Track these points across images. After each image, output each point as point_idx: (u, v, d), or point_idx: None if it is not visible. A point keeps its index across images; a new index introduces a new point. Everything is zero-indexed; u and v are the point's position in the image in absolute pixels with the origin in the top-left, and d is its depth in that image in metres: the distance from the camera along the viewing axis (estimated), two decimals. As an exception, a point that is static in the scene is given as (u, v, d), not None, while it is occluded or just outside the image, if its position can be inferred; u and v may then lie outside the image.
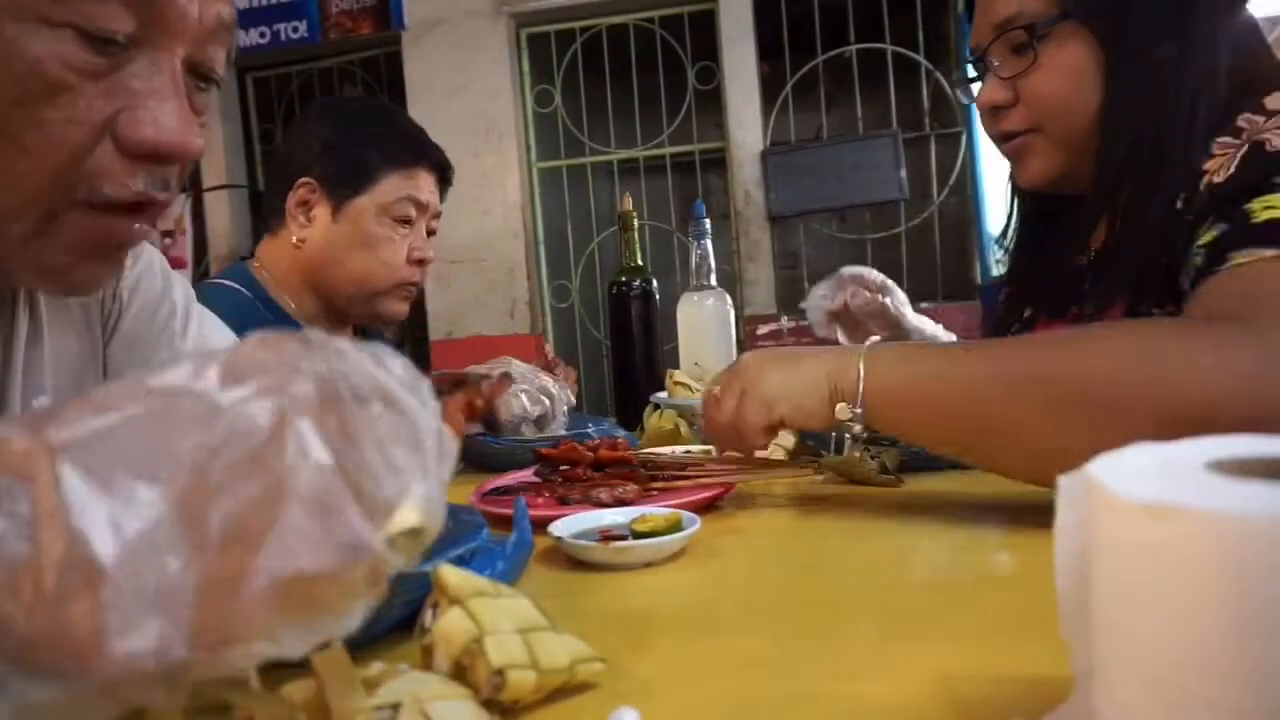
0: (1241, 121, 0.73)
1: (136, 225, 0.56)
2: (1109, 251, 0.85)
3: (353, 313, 1.34)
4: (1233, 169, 0.70)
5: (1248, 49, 0.81)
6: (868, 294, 1.28)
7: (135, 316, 0.77)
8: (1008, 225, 1.04)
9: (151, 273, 0.79)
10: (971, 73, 0.94)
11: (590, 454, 0.82)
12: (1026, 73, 0.84)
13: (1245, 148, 0.71)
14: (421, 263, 1.34)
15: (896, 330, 1.28)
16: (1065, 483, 0.30)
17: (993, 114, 0.88)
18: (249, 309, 1.23)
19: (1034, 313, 0.97)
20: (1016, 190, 1.00)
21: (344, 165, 1.28)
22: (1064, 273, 0.93)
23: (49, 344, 0.69)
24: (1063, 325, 0.91)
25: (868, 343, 0.74)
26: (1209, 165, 0.73)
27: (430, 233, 1.37)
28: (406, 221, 1.31)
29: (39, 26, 0.49)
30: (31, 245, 0.54)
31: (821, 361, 0.71)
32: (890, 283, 1.29)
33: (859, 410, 0.69)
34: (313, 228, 1.29)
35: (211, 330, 0.84)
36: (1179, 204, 0.75)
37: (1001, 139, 0.90)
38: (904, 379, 0.68)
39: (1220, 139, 0.74)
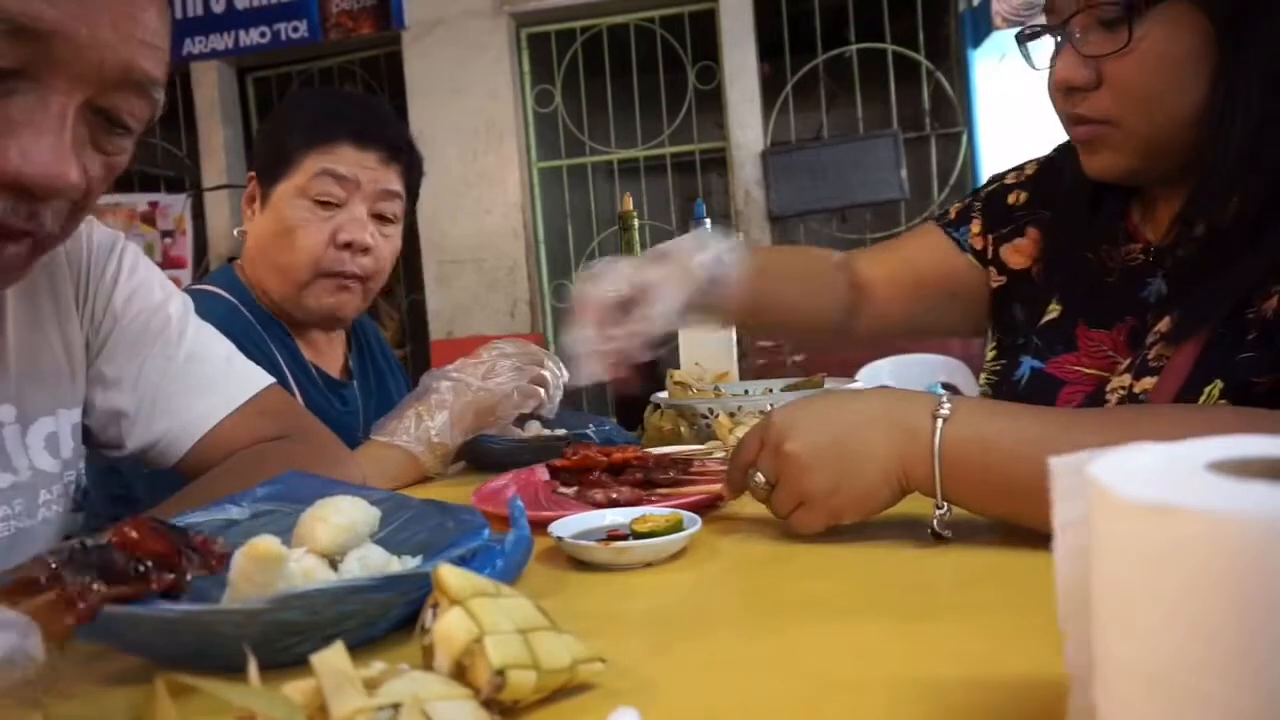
0: None
1: (20, 245, 0.59)
2: (1203, 268, 0.73)
3: (290, 312, 1.22)
4: None
5: None
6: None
7: (130, 325, 0.82)
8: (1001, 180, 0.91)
9: (148, 288, 0.84)
10: (1041, 29, 0.79)
11: (605, 459, 0.82)
12: (1118, 55, 0.70)
13: None
14: (350, 246, 1.17)
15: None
16: (1058, 469, 0.30)
17: (1067, 93, 0.75)
18: (233, 314, 1.17)
19: (1063, 314, 0.84)
20: (1062, 161, 0.87)
21: (269, 152, 1.21)
22: (1106, 270, 0.81)
23: (13, 335, 0.74)
24: (1108, 337, 0.80)
25: (942, 407, 0.59)
26: None
27: (384, 217, 1.22)
28: (329, 202, 1.17)
29: None
30: None
31: (888, 445, 0.60)
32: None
33: (943, 511, 0.61)
34: (252, 222, 1.23)
35: (208, 339, 0.88)
36: None
37: (1072, 121, 0.77)
38: (987, 447, 0.58)
39: None
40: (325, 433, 0.93)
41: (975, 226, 0.95)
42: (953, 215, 0.97)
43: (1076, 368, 0.81)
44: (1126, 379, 0.75)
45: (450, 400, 1.07)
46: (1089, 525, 0.28)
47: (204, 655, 0.46)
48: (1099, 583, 0.27)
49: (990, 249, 0.94)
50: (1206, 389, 0.68)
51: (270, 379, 0.90)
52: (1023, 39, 0.82)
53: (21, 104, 0.54)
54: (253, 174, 1.24)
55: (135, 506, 1.05)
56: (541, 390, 1.11)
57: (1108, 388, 0.77)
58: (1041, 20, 0.78)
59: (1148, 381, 0.72)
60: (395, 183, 1.22)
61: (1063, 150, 0.87)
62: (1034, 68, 0.80)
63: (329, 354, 1.33)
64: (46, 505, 0.76)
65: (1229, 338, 0.68)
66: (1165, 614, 0.24)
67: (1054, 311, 0.85)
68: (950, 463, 0.59)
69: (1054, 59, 0.76)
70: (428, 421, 1.05)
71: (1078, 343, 0.82)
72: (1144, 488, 0.25)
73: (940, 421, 0.58)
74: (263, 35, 4.18)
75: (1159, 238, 0.80)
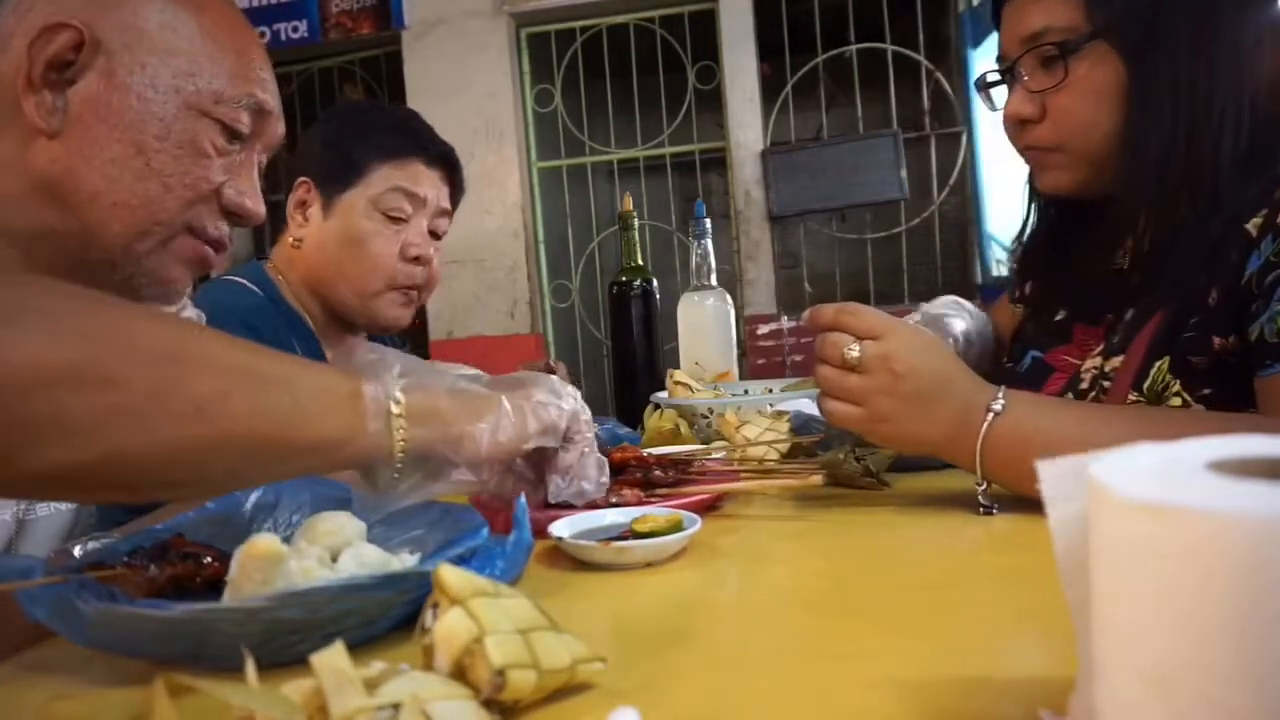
0: None
1: (215, 255, 0.77)
2: (1150, 268, 0.85)
3: (352, 318, 1.28)
4: None
5: None
6: None
7: None
8: (1024, 227, 1.03)
9: None
10: (994, 77, 0.94)
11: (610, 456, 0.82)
12: (1055, 89, 0.84)
13: None
14: (418, 260, 1.26)
15: None
16: (1048, 475, 0.30)
17: (1018, 125, 0.89)
18: (262, 309, 1.20)
19: (1067, 316, 0.96)
20: (1040, 193, 0.99)
21: (335, 160, 1.25)
22: (1097, 276, 0.92)
23: None
24: (1096, 331, 0.91)
25: (995, 401, 0.69)
26: None
27: (436, 234, 1.30)
28: (399, 217, 1.24)
29: (203, 116, 0.72)
30: (153, 258, 0.72)
31: (946, 423, 0.70)
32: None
33: (982, 485, 0.70)
34: (309, 227, 1.26)
35: None
36: (1245, 225, 0.75)
37: (1024, 149, 0.91)
38: (1024, 440, 0.67)
39: None
40: None
41: (1018, 285, 1.09)
42: (1015, 290, 1.11)
43: (1066, 357, 0.93)
44: (1099, 360, 0.86)
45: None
46: (1089, 525, 0.28)
47: (204, 654, 0.46)
48: (1099, 582, 0.27)
49: (1021, 292, 1.09)
50: (1157, 363, 0.80)
51: None
52: (981, 85, 0.96)
53: (241, 158, 0.76)
54: (306, 180, 1.26)
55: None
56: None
57: (1082, 369, 0.88)
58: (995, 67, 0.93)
59: (1115, 361, 0.84)
60: (448, 201, 1.31)
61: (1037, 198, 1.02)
62: (994, 108, 0.95)
63: (352, 360, 1.33)
64: None
65: (1175, 323, 0.80)
66: (1165, 614, 0.24)
67: (1060, 315, 0.98)
68: (989, 451, 0.69)
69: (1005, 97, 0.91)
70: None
71: (1073, 336, 0.94)
72: (1144, 488, 0.25)
73: (991, 415, 0.69)
74: (263, 35, 4.17)
75: (1141, 244, 0.89)
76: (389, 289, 1.25)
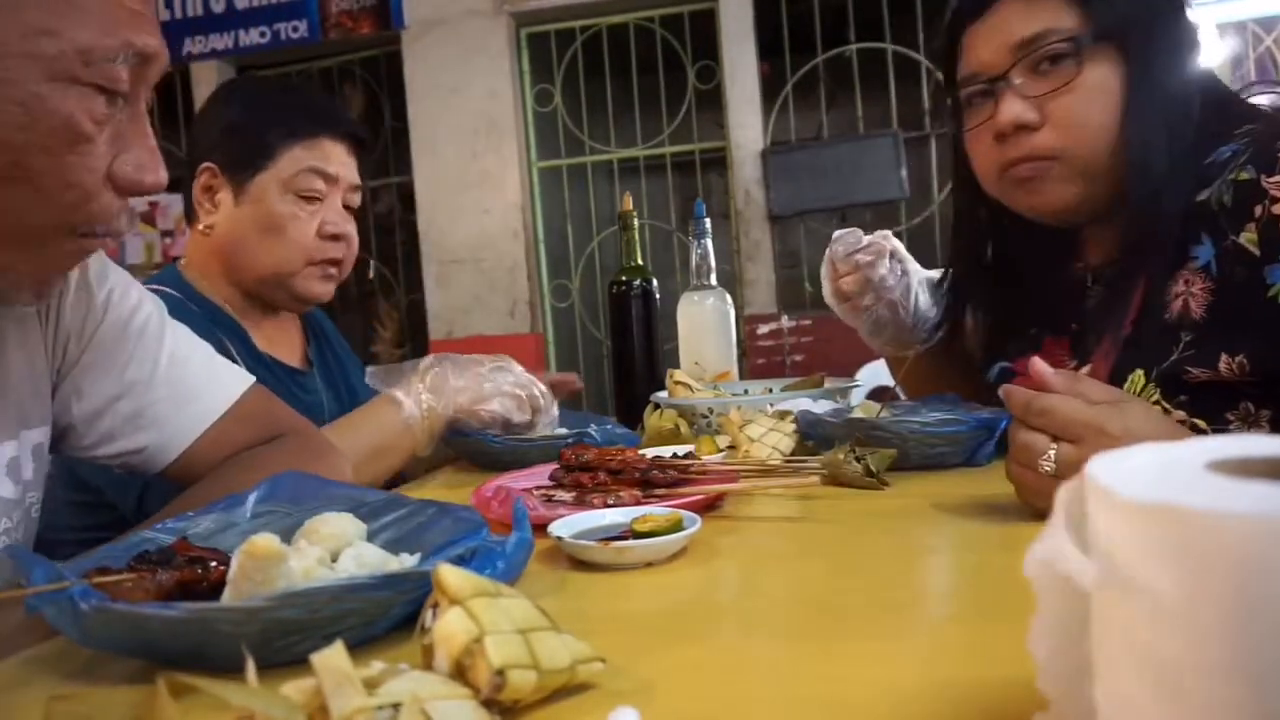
0: None
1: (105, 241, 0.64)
2: (1121, 274, 0.87)
3: (271, 298, 1.26)
4: None
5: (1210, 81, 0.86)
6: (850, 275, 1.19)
7: (106, 334, 0.79)
8: (953, 256, 1.06)
9: (122, 293, 0.81)
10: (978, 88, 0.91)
11: (604, 459, 0.82)
12: (1058, 92, 0.82)
13: None
14: (336, 238, 1.24)
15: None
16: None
17: (1012, 136, 0.85)
18: (180, 309, 1.13)
19: (1038, 330, 0.98)
20: (994, 220, 0.99)
21: (243, 144, 1.21)
22: (1063, 290, 0.95)
23: None
24: (1064, 341, 0.94)
25: None
26: None
27: (350, 208, 1.28)
28: (315, 196, 1.22)
29: (70, 85, 0.56)
30: (22, 266, 0.61)
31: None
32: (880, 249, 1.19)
33: None
34: (219, 213, 1.22)
35: (186, 342, 0.87)
36: (1237, 240, 0.77)
37: (1013, 164, 0.87)
38: None
39: (1273, 178, 0.75)
40: (311, 430, 0.92)
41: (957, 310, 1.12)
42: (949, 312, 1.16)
43: None
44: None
45: (450, 379, 1.09)
46: (1090, 525, 0.28)
47: (204, 654, 0.46)
48: (1098, 582, 0.27)
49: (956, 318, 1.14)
50: (1130, 377, 0.82)
51: (251, 379, 0.89)
52: (970, 99, 0.91)
53: (125, 116, 0.61)
54: (210, 165, 1.22)
55: (101, 512, 1.03)
56: (531, 412, 1.14)
57: None
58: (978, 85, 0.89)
59: (1084, 370, 0.86)
60: (357, 176, 1.29)
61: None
62: (965, 128, 0.92)
63: (284, 344, 1.32)
64: (8, 533, 0.73)
65: (1142, 337, 0.82)
66: (1165, 614, 0.24)
67: (1031, 329, 1.01)
68: None
69: (979, 114, 0.89)
70: (424, 391, 1.08)
71: (1042, 346, 0.97)
72: (1144, 487, 0.25)
73: None
74: (263, 35, 4.18)
75: (1095, 258, 0.94)
76: (307, 265, 1.23)
